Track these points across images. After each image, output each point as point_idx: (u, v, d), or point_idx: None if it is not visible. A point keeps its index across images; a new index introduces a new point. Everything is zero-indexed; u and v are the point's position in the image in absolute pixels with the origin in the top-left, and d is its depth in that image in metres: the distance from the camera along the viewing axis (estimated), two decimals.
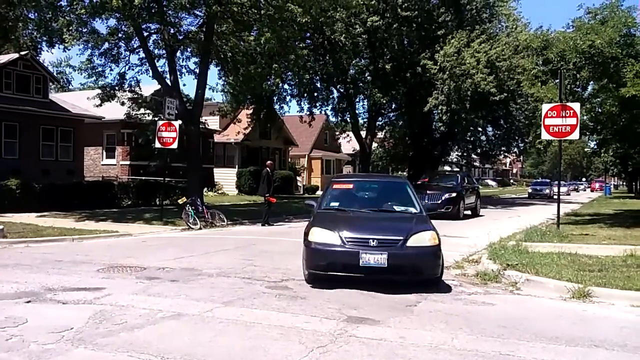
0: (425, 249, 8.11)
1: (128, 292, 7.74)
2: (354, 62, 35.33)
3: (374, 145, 43.45)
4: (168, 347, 5.32)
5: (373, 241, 8.03)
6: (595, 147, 27.22)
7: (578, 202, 38.61)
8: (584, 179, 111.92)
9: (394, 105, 39.09)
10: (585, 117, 18.76)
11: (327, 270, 8.18)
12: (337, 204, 9.80)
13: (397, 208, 9.69)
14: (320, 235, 8.32)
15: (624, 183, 79.59)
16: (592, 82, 18.61)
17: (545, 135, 14.89)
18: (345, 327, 6.06)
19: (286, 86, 34.92)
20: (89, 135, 31.10)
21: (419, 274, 8.17)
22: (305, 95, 35.51)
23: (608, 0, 17.74)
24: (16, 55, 27.04)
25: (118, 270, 9.62)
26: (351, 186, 10.69)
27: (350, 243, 8.08)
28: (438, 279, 8.44)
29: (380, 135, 44.11)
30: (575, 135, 14.57)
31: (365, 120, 39.63)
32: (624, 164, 43.88)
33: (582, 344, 5.57)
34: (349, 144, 50.55)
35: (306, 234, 8.63)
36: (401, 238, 8.11)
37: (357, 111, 38.34)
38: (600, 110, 19.25)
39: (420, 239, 8.17)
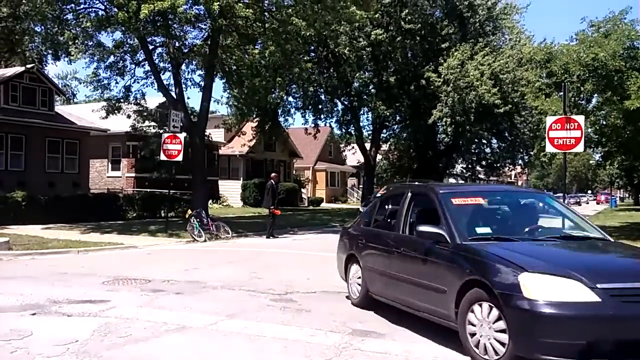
0: None
1: (133, 305, 7.75)
2: (358, 75, 35.44)
3: (379, 157, 43.47)
4: None
5: None
6: (600, 159, 27.20)
7: (584, 215, 38.50)
8: (589, 192, 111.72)
9: (398, 118, 39.12)
10: (589, 130, 18.79)
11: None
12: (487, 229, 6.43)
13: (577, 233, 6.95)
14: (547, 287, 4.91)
15: (630, 195, 79.37)
16: (596, 95, 18.66)
17: (549, 148, 14.86)
18: (350, 341, 6.05)
19: (291, 99, 35.09)
20: (94, 147, 31.21)
21: None
22: (310, 107, 35.60)
23: (611, 13, 17.82)
24: (22, 69, 27.25)
25: (123, 283, 9.63)
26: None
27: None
28: None
29: (384, 147, 44.17)
30: (579, 148, 14.55)
31: (370, 132, 39.69)
32: (630, 177, 43.88)
33: None
34: (353, 156, 50.61)
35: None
36: None
37: (361, 123, 38.43)
38: (604, 122, 19.28)
39: None
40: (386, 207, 8.18)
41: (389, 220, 7.80)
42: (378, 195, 10.76)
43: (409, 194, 7.34)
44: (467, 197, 7.06)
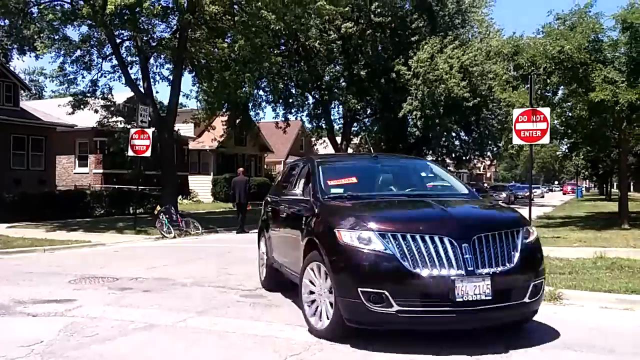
0: None
1: (100, 304, 7.65)
2: (328, 68, 35.44)
3: (350, 150, 43.57)
4: (140, 359, 5.27)
5: None
6: (567, 150, 27.68)
7: (551, 205, 39.18)
8: (556, 182, 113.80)
9: (369, 111, 39.29)
10: (555, 122, 19.09)
11: None
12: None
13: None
14: None
15: (595, 186, 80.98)
16: (562, 87, 18.95)
17: (516, 140, 15.08)
18: None
19: (261, 92, 34.91)
20: (61, 143, 30.69)
21: None
22: (281, 101, 35.51)
23: (577, 6, 18.08)
24: None
25: (90, 282, 9.49)
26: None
27: None
28: None
29: (355, 140, 44.28)
30: (545, 140, 14.78)
31: (341, 126, 39.77)
32: (595, 167, 44.68)
33: (553, 347, 5.64)
34: (325, 150, 50.59)
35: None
36: None
37: (332, 117, 38.51)
38: (570, 114, 19.60)
39: None
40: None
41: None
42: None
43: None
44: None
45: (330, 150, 42.73)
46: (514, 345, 5.60)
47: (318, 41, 31.36)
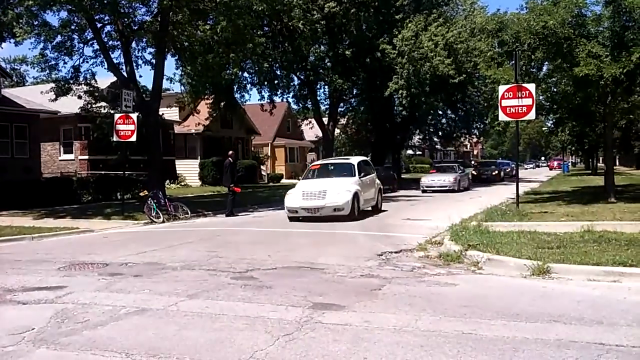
0: None
1: (90, 290, 7.63)
2: (313, 48, 35.22)
3: (337, 131, 43.54)
4: (132, 343, 5.28)
5: None
6: (552, 126, 27.80)
7: (538, 181, 39.46)
8: (542, 158, 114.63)
9: (355, 91, 39.19)
10: (541, 97, 19.15)
11: None
12: None
13: None
14: None
15: (581, 160, 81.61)
16: (546, 63, 18.97)
17: (502, 117, 15.14)
18: (311, 314, 6.09)
19: (246, 74, 34.68)
20: (45, 130, 30.32)
21: None
22: (266, 83, 35.28)
23: None
24: None
25: (79, 268, 9.46)
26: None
27: None
28: None
29: (342, 121, 44.23)
30: (531, 116, 14.86)
31: (327, 106, 39.66)
32: (581, 142, 44.92)
33: (542, 320, 5.71)
34: (311, 131, 50.58)
35: None
36: None
37: (318, 98, 38.37)
38: (555, 90, 19.66)
39: None
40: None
41: None
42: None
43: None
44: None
45: (317, 130, 42.69)
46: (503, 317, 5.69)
47: (302, 21, 31.13)
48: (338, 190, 15.96)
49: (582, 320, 5.68)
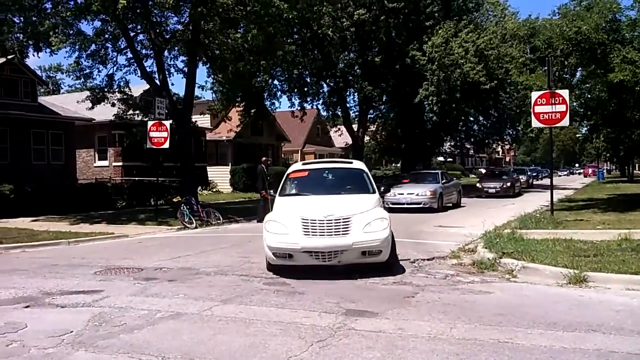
0: None
1: (126, 294, 7.75)
2: (342, 55, 35.32)
3: (366, 137, 43.49)
4: (168, 347, 5.35)
5: None
6: (587, 133, 27.34)
7: (572, 188, 38.80)
8: (576, 165, 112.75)
9: (384, 98, 39.14)
10: (574, 104, 18.86)
11: None
12: None
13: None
14: None
15: (617, 167, 79.99)
16: (580, 69, 18.72)
17: (535, 123, 14.94)
18: (344, 321, 6.09)
19: (276, 82, 34.94)
20: (80, 137, 30.97)
21: None
22: (296, 90, 35.50)
23: None
24: (3, 60, 26.87)
25: (115, 272, 9.61)
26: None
27: None
28: None
29: (372, 127, 44.18)
30: (565, 122, 14.63)
31: (357, 113, 39.67)
32: (616, 149, 43.98)
33: (580, 329, 5.62)
34: (340, 138, 50.58)
35: None
36: None
37: (348, 104, 38.47)
38: (589, 96, 19.36)
39: None
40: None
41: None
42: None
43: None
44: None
45: (346, 137, 42.68)
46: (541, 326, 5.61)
47: (331, 29, 31.22)
48: (364, 218, 8.83)
49: (621, 330, 5.57)
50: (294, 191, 10.49)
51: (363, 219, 8.79)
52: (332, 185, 10.70)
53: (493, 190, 30.52)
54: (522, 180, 36.64)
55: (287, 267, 8.84)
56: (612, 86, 16.46)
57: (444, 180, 24.01)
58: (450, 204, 23.43)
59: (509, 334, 5.51)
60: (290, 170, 11.26)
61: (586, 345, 5.12)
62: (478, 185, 32.24)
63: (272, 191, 11.29)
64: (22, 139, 26.23)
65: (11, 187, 21.73)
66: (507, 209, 20.99)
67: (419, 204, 21.34)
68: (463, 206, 24.38)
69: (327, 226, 8.64)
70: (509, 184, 31.26)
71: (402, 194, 21.91)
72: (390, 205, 20.51)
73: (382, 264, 8.85)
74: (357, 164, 11.68)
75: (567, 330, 5.58)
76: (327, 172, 11.49)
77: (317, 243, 8.55)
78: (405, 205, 21.32)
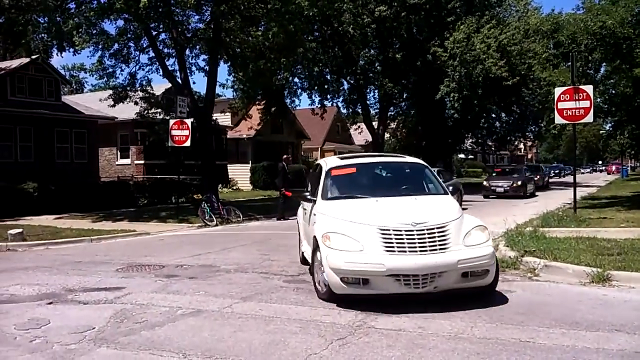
0: None
1: (147, 291, 7.82)
2: (363, 52, 35.20)
3: (387, 135, 43.32)
4: (189, 344, 5.38)
5: None
6: (611, 129, 26.93)
7: (595, 186, 38.28)
8: (599, 162, 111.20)
9: (405, 95, 38.91)
10: (599, 100, 18.58)
11: None
12: None
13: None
14: None
15: None
16: (604, 64, 18.44)
17: (558, 119, 14.75)
18: (364, 319, 6.08)
19: (296, 79, 34.98)
20: (102, 136, 31.30)
21: None
22: (316, 87, 35.45)
23: None
24: (27, 60, 27.27)
25: (137, 270, 9.71)
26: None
27: None
28: None
29: (392, 125, 43.98)
30: (589, 118, 14.42)
31: (377, 110, 39.52)
32: None
33: (603, 329, 5.54)
34: (360, 136, 50.48)
35: None
36: None
37: (368, 102, 38.29)
38: (614, 91, 19.06)
39: None
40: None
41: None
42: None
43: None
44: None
45: (366, 134, 42.53)
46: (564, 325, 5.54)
47: (352, 26, 31.13)
48: (460, 227, 6.90)
49: None
50: (345, 193, 8.03)
51: (460, 228, 6.83)
52: (392, 185, 8.59)
53: (502, 190, 28.29)
54: (535, 179, 33.21)
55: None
56: (637, 81, 16.19)
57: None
58: None
59: (531, 333, 5.45)
60: (330, 165, 8.71)
61: (609, 345, 5.04)
62: (485, 183, 29.82)
63: (307, 194, 8.79)
64: (46, 138, 26.59)
65: (35, 185, 22.05)
66: (529, 206, 20.74)
67: None
68: (464, 209, 21.21)
69: (420, 238, 6.50)
70: (519, 183, 28.67)
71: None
72: None
73: (486, 287, 6.84)
74: (413, 158, 9.57)
75: (590, 330, 5.51)
76: (379, 167, 9.17)
77: (409, 263, 6.37)
78: None
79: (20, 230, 14.27)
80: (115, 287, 8.14)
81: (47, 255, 11.98)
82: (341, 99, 37.81)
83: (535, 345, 5.11)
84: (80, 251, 12.60)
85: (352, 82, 36.48)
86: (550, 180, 46.39)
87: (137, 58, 24.01)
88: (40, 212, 20.64)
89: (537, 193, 30.58)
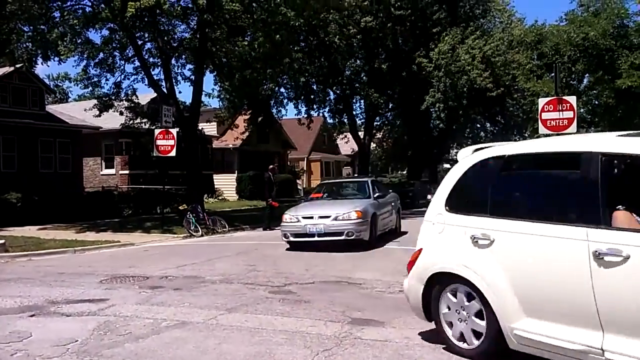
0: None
1: (132, 303, 7.74)
2: (349, 63, 35.38)
3: (373, 145, 43.45)
4: (173, 356, 5.33)
5: None
6: None
7: None
8: None
9: (391, 105, 39.12)
10: (582, 110, 18.82)
11: None
12: None
13: None
14: None
15: None
16: (587, 75, 18.70)
17: (542, 130, 14.86)
18: (350, 330, 6.06)
19: (282, 89, 34.98)
20: (87, 145, 31.06)
21: None
22: (302, 97, 35.51)
23: None
24: (11, 69, 26.99)
25: (121, 281, 9.61)
26: None
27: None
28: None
29: (378, 135, 44.14)
30: (572, 129, 14.53)
31: (363, 120, 39.66)
32: None
33: None
34: (347, 145, 50.53)
35: None
36: None
37: (354, 112, 38.47)
38: (596, 102, 19.32)
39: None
40: None
41: None
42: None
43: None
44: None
45: (353, 144, 42.64)
46: None
47: (338, 36, 31.26)
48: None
49: None
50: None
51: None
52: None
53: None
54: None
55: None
56: (619, 92, 16.43)
57: (376, 194, 14.70)
58: (387, 230, 15.04)
59: None
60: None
61: None
62: None
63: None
64: (29, 148, 26.34)
65: (18, 195, 21.81)
66: None
67: (339, 234, 12.62)
68: (405, 232, 15.90)
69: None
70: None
71: (311, 217, 13.04)
72: (291, 239, 13.30)
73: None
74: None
75: None
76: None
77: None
78: (316, 238, 12.77)
79: (2, 241, 14.09)
80: (99, 298, 8.05)
81: (29, 267, 11.83)
82: (327, 109, 37.93)
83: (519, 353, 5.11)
84: (64, 262, 12.46)
85: (338, 92, 36.60)
86: None
87: (122, 67, 23.95)
88: (23, 222, 20.40)
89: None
